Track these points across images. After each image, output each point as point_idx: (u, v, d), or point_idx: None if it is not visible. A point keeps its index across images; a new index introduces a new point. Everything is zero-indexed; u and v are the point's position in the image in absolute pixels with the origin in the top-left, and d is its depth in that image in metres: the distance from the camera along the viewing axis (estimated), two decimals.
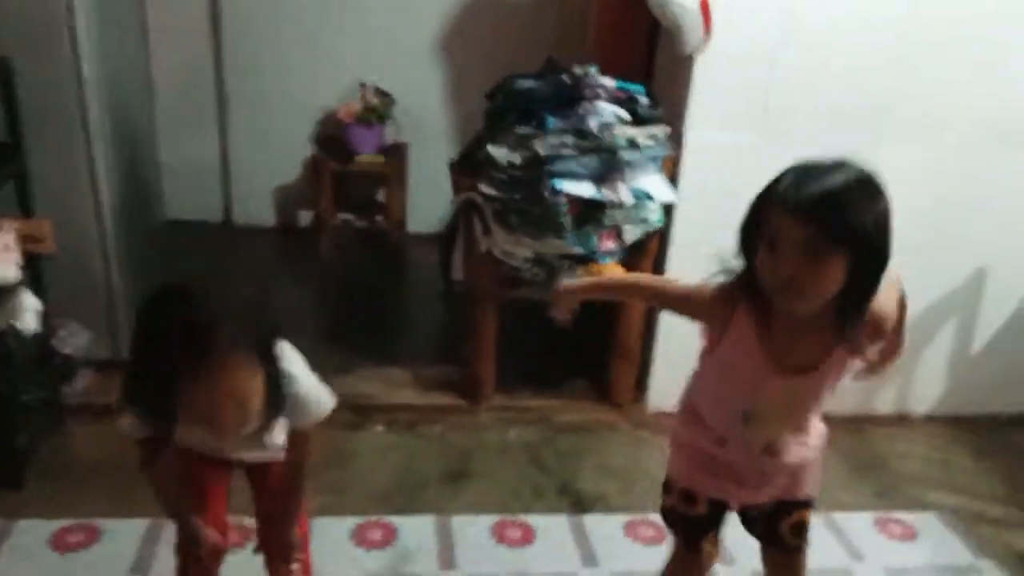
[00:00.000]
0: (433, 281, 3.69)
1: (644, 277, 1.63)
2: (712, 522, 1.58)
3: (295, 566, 1.57)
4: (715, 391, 1.50)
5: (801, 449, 1.49)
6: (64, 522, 2.09)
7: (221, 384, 1.19)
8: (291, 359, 1.40)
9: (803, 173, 1.22)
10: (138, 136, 2.93)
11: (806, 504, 1.55)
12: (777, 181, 1.25)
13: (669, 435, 1.64)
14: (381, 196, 4.21)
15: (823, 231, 1.19)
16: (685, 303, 1.49)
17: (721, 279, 1.39)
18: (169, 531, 2.02)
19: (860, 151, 2.60)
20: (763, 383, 1.38)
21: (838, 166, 1.24)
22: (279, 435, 1.47)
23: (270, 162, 4.18)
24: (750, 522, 1.60)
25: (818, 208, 1.19)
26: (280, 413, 1.36)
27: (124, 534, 2.07)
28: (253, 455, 1.54)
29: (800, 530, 1.57)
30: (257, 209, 4.27)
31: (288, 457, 1.50)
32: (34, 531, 2.06)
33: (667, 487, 1.61)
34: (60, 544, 2.03)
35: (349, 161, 3.87)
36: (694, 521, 1.57)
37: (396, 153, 3.99)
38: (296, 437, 1.47)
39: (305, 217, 4.31)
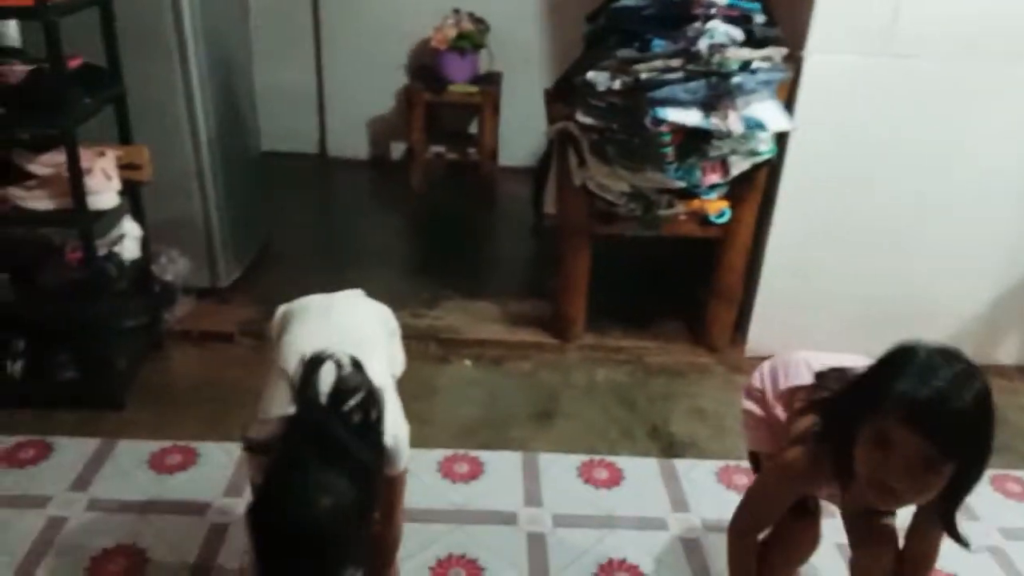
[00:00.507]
0: (524, 215, 3.61)
1: (746, 530, 1.46)
2: None
3: None
4: None
5: None
6: (163, 443, 2.16)
7: None
8: (388, 408, 1.34)
9: (926, 380, 1.12)
10: (234, 65, 2.91)
11: None
12: (895, 380, 1.14)
13: (743, 416, 1.60)
14: (474, 128, 4.13)
15: (947, 454, 1.11)
16: (791, 496, 1.42)
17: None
18: None
19: (994, 76, 2.38)
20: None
21: (958, 371, 1.13)
22: None
23: (364, 93, 4.15)
24: None
25: (947, 433, 1.10)
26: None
27: (220, 457, 2.12)
28: None
29: None
30: (351, 141, 4.27)
31: (384, 498, 1.47)
32: (134, 451, 2.13)
33: (755, 461, 1.59)
34: (158, 464, 2.10)
35: (442, 91, 3.79)
36: None
37: (490, 82, 3.88)
38: (390, 481, 1.45)
39: (397, 149, 4.28)
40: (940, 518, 1.29)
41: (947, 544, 1.62)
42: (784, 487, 1.39)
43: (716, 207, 2.47)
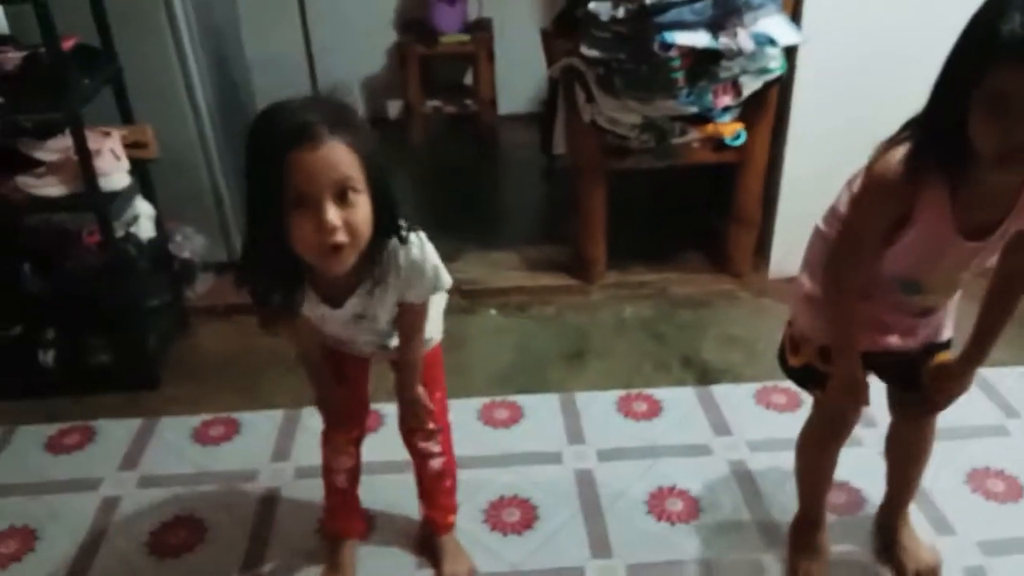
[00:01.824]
0: (531, 161, 3.58)
1: (843, 270, 1.33)
2: None
3: (431, 431, 1.59)
4: (879, 266, 1.33)
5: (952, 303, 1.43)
6: (204, 417, 2.17)
7: (319, 163, 1.13)
8: (417, 237, 1.37)
9: None
10: (224, 34, 2.86)
11: (946, 345, 1.47)
12: (997, 22, 1.01)
13: (795, 294, 1.51)
14: (469, 79, 4.07)
15: None
16: (884, 216, 1.25)
17: (893, 155, 1.20)
18: (305, 419, 2.07)
19: None
20: (942, 254, 1.26)
21: None
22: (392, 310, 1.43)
23: (355, 52, 4.07)
24: (885, 369, 1.48)
25: None
26: (387, 242, 1.30)
27: (261, 424, 2.13)
28: (379, 353, 1.53)
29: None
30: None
31: (400, 326, 1.46)
32: (177, 427, 2.14)
33: (795, 347, 1.51)
34: (203, 437, 2.11)
35: (434, 43, 3.73)
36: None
37: (481, 29, 3.81)
38: (407, 308, 1.42)
39: (394, 107, 4.22)
40: None
41: None
42: (878, 202, 1.23)
43: (731, 130, 2.43)
